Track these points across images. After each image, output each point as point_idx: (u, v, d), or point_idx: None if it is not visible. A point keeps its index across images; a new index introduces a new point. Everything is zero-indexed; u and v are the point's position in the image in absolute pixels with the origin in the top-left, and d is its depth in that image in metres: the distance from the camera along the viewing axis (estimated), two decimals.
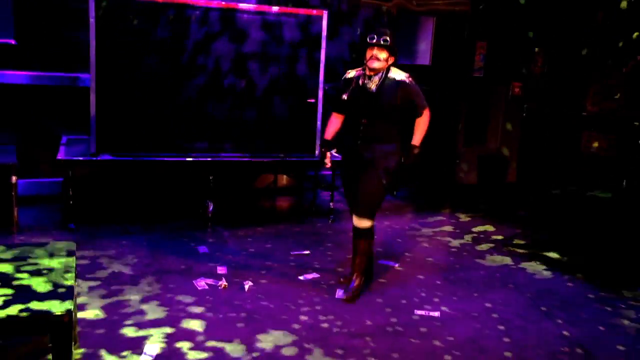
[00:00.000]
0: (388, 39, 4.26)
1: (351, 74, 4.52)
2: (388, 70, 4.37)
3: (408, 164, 4.45)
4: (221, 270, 4.82)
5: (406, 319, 4.20)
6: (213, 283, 4.54)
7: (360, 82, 4.41)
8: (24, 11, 6.03)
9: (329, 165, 4.71)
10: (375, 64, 4.29)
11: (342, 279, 4.76)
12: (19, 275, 3.01)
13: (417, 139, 4.42)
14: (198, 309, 4.11)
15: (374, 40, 4.26)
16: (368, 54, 4.31)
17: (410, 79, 4.38)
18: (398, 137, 4.44)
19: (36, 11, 6.08)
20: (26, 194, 6.16)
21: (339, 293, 4.52)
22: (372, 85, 4.34)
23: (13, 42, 6.06)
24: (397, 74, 4.37)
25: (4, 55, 6.05)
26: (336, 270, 4.99)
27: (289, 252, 5.38)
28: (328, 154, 4.70)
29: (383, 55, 4.28)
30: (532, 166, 7.95)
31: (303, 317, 4.11)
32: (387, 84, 4.32)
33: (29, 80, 6.15)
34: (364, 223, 4.42)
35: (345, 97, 4.43)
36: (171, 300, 4.21)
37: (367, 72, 4.36)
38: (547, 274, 5.30)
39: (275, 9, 5.96)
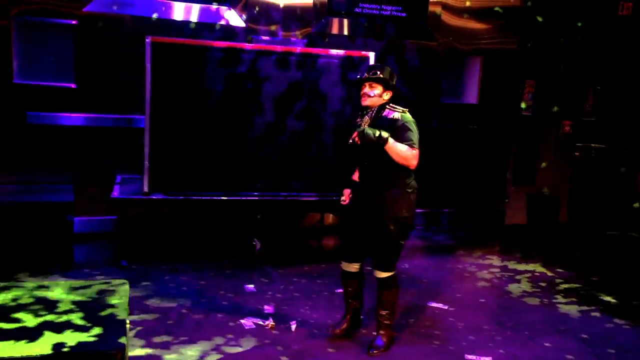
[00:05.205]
0: (378, 72, 3.99)
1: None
2: (382, 108, 4.01)
3: (360, 136, 3.86)
4: (268, 309, 4.84)
5: None
6: (260, 322, 4.55)
7: (358, 122, 4.12)
8: (84, 57, 6.34)
9: (345, 202, 4.29)
10: (367, 102, 4.01)
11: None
12: (74, 313, 3.08)
13: (392, 141, 3.81)
14: (244, 350, 4.12)
15: (365, 76, 4.02)
16: (361, 93, 4.05)
17: (405, 115, 3.96)
18: (405, 182, 3.99)
19: (96, 57, 6.37)
20: (81, 232, 6.36)
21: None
22: (364, 124, 3.99)
23: (73, 86, 6.35)
24: (392, 111, 3.98)
25: (65, 98, 6.34)
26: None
27: (334, 290, 5.36)
28: (346, 191, 4.34)
29: (377, 91, 3.99)
30: (585, 206, 7.73)
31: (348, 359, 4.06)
32: (379, 124, 3.93)
33: (87, 122, 6.42)
34: (383, 274, 4.09)
35: (350, 140, 4.00)
36: (218, 340, 4.24)
37: (361, 112, 4.10)
38: (603, 318, 5.10)
39: (322, 51, 6.09)
